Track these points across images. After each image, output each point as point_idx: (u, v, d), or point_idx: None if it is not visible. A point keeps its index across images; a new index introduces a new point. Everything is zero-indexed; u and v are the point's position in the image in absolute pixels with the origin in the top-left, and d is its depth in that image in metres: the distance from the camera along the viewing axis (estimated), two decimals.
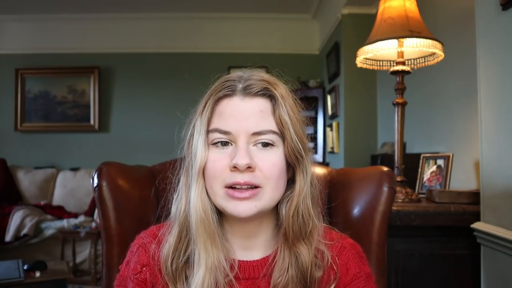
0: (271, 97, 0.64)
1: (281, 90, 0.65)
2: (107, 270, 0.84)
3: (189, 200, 0.64)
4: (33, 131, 4.30)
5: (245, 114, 0.63)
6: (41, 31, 4.27)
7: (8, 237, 3.17)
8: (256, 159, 0.61)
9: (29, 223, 3.22)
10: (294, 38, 4.31)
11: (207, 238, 0.62)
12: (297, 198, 0.65)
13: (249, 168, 0.60)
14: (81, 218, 3.33)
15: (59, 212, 3.57)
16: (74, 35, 4.26)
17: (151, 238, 0.68)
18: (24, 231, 3.19)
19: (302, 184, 0.65)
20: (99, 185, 0.85)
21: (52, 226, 3.27)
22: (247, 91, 0.64)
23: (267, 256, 0.68)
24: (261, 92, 0.64)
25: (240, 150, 0.61)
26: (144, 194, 0.89)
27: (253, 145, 0.63)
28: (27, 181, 3.95)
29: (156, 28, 4.25)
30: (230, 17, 4.22)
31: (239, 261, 0.66)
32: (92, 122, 4.29)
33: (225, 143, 0.63)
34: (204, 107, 0.65)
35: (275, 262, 0.66)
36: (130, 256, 0.69)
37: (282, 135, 0.64)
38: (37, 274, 2.16)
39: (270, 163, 0.62)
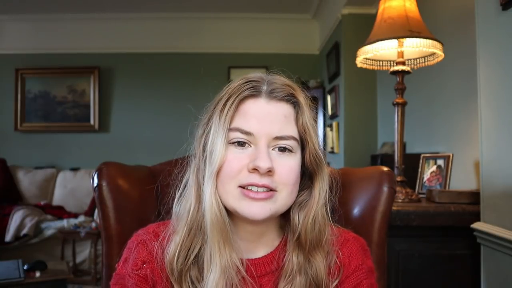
0: (294, 103, 0.65)
1: (303, 97, 0.66)
2: (107, 270, 0.84)
3: (203, 200, 0.62)
4: (33, 131, 4.29)
5: (270, 117, 0.62)
6: (41, 31, 4.27)
7: (8, 237, 3.17)
8: (275, 164, 0.61)
9: (29, 223, 3.22)
10: (294, 38, 4.31)
11: (221, 239, 0.61)
12: (315, 207, 0.64)
13: (269, 172, 0.60)
14: (81, 218, 3.33)
15: (59, 212, 3.57)
16: (74, 35, 4.26)
17: (151, 235, 0.67)
18: (24, 231, 3.19)
19: (320, 192, 0.65)
20: (99, 185, 0.85)
21: (52, 226, 3.27)
22: (273, 95, 0.64)
23: (270, 254, 0.68)
24: (286, 98, 0.64)
25: (261, 152, 0.60)
26: (144, 194, 0.89)
27: (272, 149, 0.62)
28: (27, 181, 3.95)
29: (156, 28, 4.25)
30: (230, 17, 4.22)
31: (245, 260, 0.66)
32: (92, 122, 4.29)
33: (242, 143, 0.62)
34: (225, 105, 0.63)
35: (283, 267, 0.65)
36: (128, 253, 0.67)
37: (301, 142, 0.64)
38: (37, 274, 2.16)
39: (289, 168, 0.62)
